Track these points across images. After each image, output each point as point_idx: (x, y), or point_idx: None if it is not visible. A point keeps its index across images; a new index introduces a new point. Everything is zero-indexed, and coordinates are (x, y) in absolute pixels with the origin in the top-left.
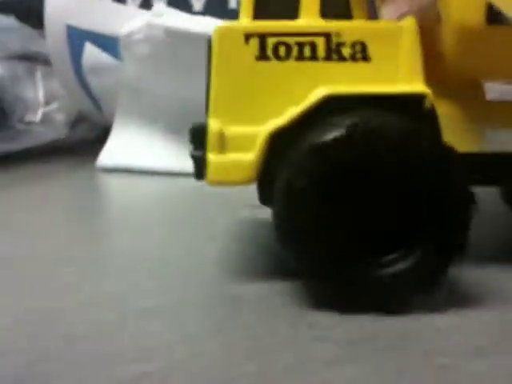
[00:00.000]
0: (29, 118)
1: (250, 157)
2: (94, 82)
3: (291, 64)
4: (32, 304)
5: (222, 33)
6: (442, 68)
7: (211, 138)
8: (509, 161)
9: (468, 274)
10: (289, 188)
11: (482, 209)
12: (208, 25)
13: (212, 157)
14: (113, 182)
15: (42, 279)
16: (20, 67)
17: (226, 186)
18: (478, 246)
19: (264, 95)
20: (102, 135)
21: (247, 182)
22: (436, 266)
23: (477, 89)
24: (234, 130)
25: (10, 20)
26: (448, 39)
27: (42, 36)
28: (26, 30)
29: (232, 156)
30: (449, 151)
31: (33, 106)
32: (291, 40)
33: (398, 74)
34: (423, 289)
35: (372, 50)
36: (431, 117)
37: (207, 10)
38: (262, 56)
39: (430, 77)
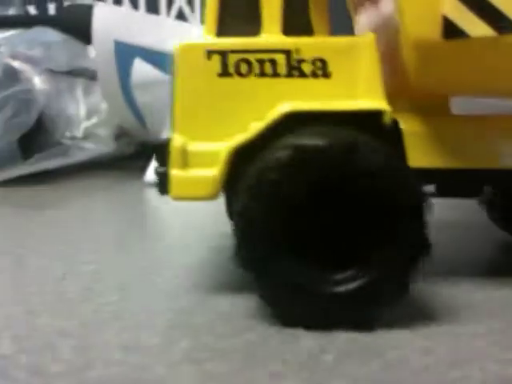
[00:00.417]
0: (71, 133)
1: (213, 172)
2: (141, 97)
3: (253, 80)
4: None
5: (184, 50)
6: (406, 83)
7: (174, 154)
8: (476, 176)
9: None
10: (246, 207)
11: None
12: None
13: (175, 172)
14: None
15: (97, 290)
16: (62, 82)
17: (191, 201)
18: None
19: (226, 111)
20: (141, 150)
21: (211, 197)
22: (395, 282)
23: (444, 103)
24: (197, 145)
25: (58, 35)
26: (405, 54)
27: (88, 51)
28: (73, 45)
29: (195, 172)
30: (404, 167)
31: (75, 122)
32: (252, 57)
33: (358, 90)
34: (384, 304)
35: (332, 66)
36: (392, 133)
37: None
38: (224, 73)
39: (398, 92)
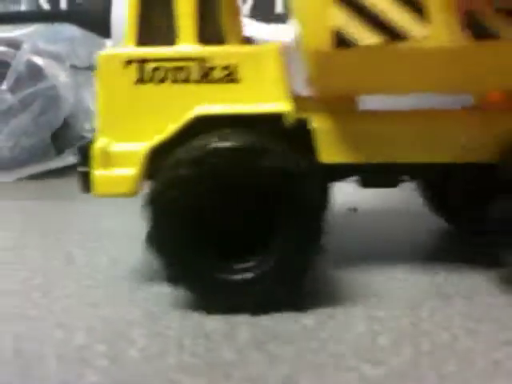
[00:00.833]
0: (90, 126)
1: (132, 171)
2: None
3: (168, 87)
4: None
5: (105, 59)
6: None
7: (97, 155)
8: (388, 169)
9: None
10: (154, 201)
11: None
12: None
13: (97, 172)
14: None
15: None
16: (80, 76)
17: (112, 198)
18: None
19: (145, 115)
20: None
21: (131, 194)
22: (293, 271)
23: (351, 102)
24: (118, 146)
25: (79, 30)
26: (306, 62)
27: (107, 44)
28: (94, 40)
29: (117, 170)
30: (299, 165)
31: (92, 114)
32: (167, 65)
33: (265, 95)
34: (285, 291)
35: (241, 72)
36: (299, 132)
37: (253, 14)
38: (141, 80)
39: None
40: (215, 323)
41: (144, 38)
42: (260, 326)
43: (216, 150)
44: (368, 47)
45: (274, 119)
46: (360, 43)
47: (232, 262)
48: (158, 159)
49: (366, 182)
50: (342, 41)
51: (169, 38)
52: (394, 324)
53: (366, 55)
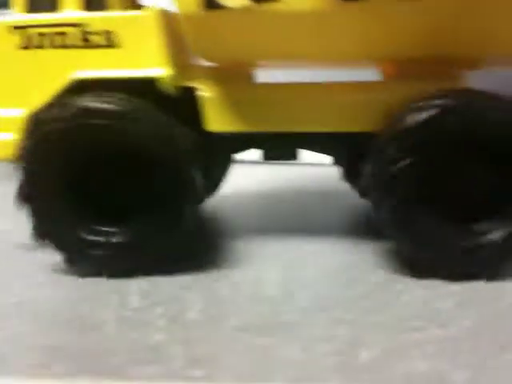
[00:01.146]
0: None
1: (13, 136)
2: None
3: (50, 52)
4: None
5: None
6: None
7: None
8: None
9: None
10: (26, 158)
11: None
12: None
13: None
14: None
15: None
16: None
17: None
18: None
19: (28, 80)
20: None
21: (14, 158)
22: (160, 238)
23: (245, 72)
24: (2, 112)
25: None
26: (181, 26)
27: None
28: None
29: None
30: (175, 130)
31: None
32: (49, 30)
33: (145, 60)
34: (149, 256)
35: (121, 37)
36: (182, 101)
37: None
38: (24, 46)
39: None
40: (272, 288)
41: (33, 6)
42: (317, 291)
43: (84, 109)
44: (236, 9)
45: (153, 85)
46: (230, 5)
47: (107, 225)
48: (35, 124)
49: (266, 155)
50: (211, 2)
51: (55, 6)
52: (452, 289)
53: (235, 18)
